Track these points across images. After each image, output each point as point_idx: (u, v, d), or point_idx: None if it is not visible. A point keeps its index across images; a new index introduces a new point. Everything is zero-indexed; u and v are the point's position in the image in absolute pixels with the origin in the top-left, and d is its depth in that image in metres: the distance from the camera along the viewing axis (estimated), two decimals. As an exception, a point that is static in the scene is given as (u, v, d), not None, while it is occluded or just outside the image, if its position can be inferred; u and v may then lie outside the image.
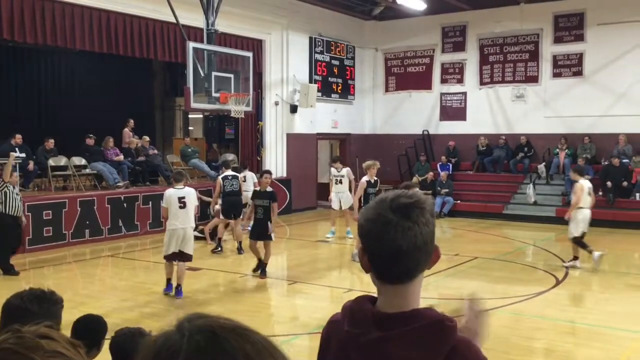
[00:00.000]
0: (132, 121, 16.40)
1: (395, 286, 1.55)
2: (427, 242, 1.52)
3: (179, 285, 8.61)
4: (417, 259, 1.53)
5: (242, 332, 0.84)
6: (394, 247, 1.49)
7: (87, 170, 14.53)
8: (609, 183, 15.79)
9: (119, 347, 3.25)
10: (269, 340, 0.87)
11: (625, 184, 15.85)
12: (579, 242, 10.51)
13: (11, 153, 10.77)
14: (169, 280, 8.78)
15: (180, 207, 8.48)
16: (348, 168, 14.02)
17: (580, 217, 10.45)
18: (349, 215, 13.18)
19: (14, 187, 9.98)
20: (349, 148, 20.39)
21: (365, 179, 10.92)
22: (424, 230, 1.50)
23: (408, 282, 1.56)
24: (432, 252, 1.58)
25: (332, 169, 13.88)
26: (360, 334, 1.47)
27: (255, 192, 10.46)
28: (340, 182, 13.56)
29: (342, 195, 13.46)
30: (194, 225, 8.88)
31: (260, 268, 9.81)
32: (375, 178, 11.03)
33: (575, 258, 10.54)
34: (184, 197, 8.54)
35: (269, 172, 10.45)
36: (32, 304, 2.65)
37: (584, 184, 10.70)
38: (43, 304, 2.68)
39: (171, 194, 8.60)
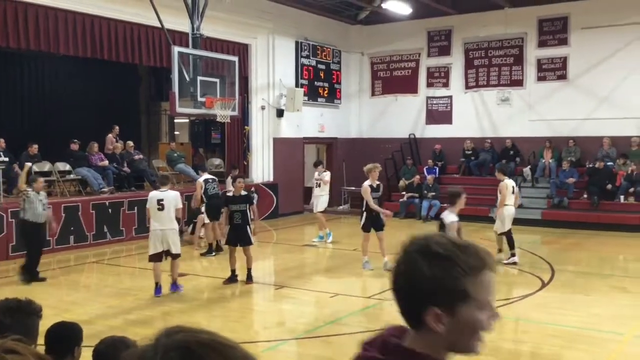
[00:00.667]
0: (117, 128, 16.26)
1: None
2: (418, 287, 1.34)
3: (174, 281, 8.99)
4: (409, 303, 1.38)
5: (219, 347, 0.82)
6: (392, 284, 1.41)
7: (72, 176, 14.39)
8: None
9: (101, 357, 3.20)
10: (248, 356, 0.85)
11: (609, 186, 15.99)
12: (509, 237, 11.10)
13: (26, 163, 11.41)
14: (157, 284, 8.86)
15: (159, 209, 8.74)
16: (327, 172, 14.48)
17: (506, 213, 11.09)
18: (321, 219, 13.66)
19: (38, 193, 9.82)
20: (336, 152, 20.39)
21: (367, 183, 10.54)
22: (418, 274, 1.34)
23: (417, 328, 1.39)
24: (440, 305, 1.34)
25: (316, 173, 14.25)
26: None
27: (228, 197, 10.33)
28: (319, 185, 13.91)
29: (317, 199, 13.86)
30: (175, 227, 8.96)
31: (247, 274, 9.73)
32: (377, 182, 10.72)
33: (508, 252, 11.14)
34: (162, 200, 8.76)
35: (242, 176, 10.58)
36: (5, 316, 2.57)
37: (508, 183, 11.37)
38: (16, 316, 2.59)
39: (152, 196, 8.94)
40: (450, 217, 7.81)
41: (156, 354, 0.80)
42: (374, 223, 10.58)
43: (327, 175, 14.09)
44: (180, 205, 9.07)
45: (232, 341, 0.87)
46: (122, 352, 3.08)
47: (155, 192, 9.05)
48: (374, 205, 10.47)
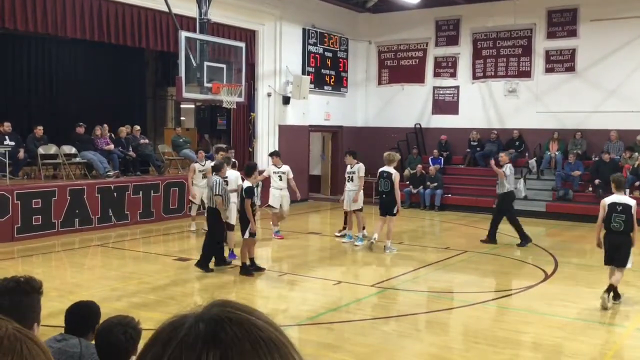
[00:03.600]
0: (106, 126, 15.71)
1: None
2: None
3: (230, 250, 10.37)
4: None
5: (249, 327, 0.82)
6: None
7: (77, 159, 14.43)
8: (597, 181, 15.84)
9: (98, 337, 3.29)
10: (280, 342, 0.83)
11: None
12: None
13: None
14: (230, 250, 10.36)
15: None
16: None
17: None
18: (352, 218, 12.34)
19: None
20: (341, 141, 20.37)
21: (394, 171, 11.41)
22: None
23: None
24: None
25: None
26: None
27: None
28: (351, 179, 12.25)
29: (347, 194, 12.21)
30: (234, 202, 10.15)
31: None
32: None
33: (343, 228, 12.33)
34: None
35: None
36: (4, 296, 2.56)
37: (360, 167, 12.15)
38: (15, 297, 2.57)
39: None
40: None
41: (185, 322, 0.82)
42: (388, 207, 11.40)
43: (361, 170, 12.13)
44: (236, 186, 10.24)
45: (268, 323, 0.85)
46: (119, 335, 3.16)
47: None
48: (399, 193, 11.41)
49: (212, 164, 10.69)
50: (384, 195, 11.49)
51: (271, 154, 13.13)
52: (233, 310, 0.84)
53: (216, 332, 0.80)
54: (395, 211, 11.37)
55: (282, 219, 12.84)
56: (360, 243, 11.95)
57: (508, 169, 12.24)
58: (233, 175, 10.64)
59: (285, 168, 12.69)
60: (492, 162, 12.97)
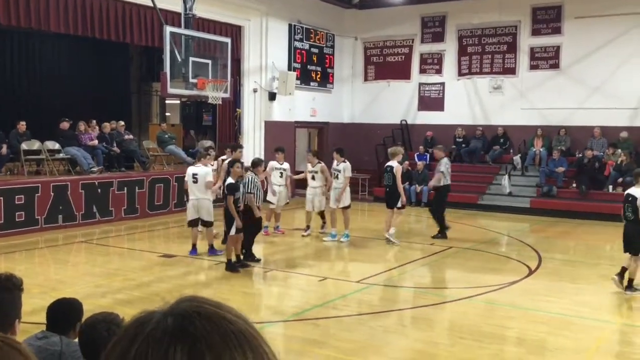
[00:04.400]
0: (94, 121, 15.64)
1: None
2: None
3: (210, 246, 10.33)
4: None
5: (218, 320, 0.82)
6: None
7: (61, 155, 14.29)
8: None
9: (82, 335, 3.27)
10: (249, 334, 0.82)
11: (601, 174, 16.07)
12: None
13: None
14: (193, 245, 10.36)
15: (194, 182, 10.09)
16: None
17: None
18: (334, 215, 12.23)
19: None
20: (327, 137, 20.36)
21: (397, 164, 11.59)
22: None
23: None
24: None
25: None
26: None
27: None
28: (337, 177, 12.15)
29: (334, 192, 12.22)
30: (208, 198, 10.16)
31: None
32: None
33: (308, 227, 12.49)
34: (196, 174, 10.09)
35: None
36: None
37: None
38: None
39: (188, 170, 10.35)
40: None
41: (154, 317, 0.81)
42: (392, 200, 11.61)
43: (347, 170, 12.04)
44: (210, 179, 10.12)
45: (237, 316, 0.85)
46: (102, 332, 3.14)
47: (191, 167, 10.42)
48: (401, 187, 11.50)
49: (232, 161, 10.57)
50: (387, 189, 11.77)
51: (277, 150, 12.99)
52: (201, 305, 0.84)
53: (184, 326, 0.79)
54: (399, 204, 11.53)
55: (276, 215, 12.75)
56: (345, 239, 11.94)
57: (443, 164, 12.36)
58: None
59: (286, 165, 12.76)
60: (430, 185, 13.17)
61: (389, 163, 11.74)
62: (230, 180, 9.30)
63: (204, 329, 0.79)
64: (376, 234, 12.52)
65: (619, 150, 16.22)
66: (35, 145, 14.08)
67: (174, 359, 0.76)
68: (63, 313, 3.48)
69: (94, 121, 15.22)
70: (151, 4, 12.54)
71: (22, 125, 14.00)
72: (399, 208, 11.63)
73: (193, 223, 10.37)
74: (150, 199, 14.50)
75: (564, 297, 8.32)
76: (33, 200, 12.22)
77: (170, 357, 0.76)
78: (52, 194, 12.58)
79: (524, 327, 7.02)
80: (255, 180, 9.76)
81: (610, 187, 16.03)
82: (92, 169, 13.87)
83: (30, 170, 14.10)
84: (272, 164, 12.65)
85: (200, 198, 10.15)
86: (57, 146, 14.24)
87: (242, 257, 9.69)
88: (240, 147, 12.52)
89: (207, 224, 10.37)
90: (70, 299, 3.69)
